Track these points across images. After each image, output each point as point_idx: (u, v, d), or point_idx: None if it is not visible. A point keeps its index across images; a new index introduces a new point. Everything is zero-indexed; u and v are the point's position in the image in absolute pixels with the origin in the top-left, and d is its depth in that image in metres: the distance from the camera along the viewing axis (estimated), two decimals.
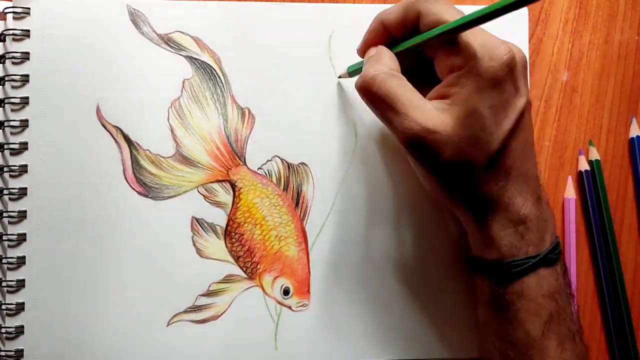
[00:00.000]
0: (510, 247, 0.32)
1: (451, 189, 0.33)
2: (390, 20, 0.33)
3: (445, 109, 0.31)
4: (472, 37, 0.30)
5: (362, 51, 0.35)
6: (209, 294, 0.38)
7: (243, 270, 0.39)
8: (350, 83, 0.38)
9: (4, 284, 0.37)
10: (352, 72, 0.38)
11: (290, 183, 0.40)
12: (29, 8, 0.38)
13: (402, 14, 0.33)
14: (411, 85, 0.32)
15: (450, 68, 0.32)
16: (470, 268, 0.36)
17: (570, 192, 0.42)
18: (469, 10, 0.41)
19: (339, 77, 0.40)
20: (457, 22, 0.30)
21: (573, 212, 0.42)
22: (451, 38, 0.31)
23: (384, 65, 0.32)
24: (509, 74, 0.30)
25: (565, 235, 0.42)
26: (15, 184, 0.38)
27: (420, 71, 0.34)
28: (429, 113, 0.31)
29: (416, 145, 0.31)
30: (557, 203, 0.42)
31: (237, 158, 0.39)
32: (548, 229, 0.33)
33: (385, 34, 0.34)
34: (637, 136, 0.42)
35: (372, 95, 0.32)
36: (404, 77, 0.32)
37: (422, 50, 0.34)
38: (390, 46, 0.34)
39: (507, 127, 0.31)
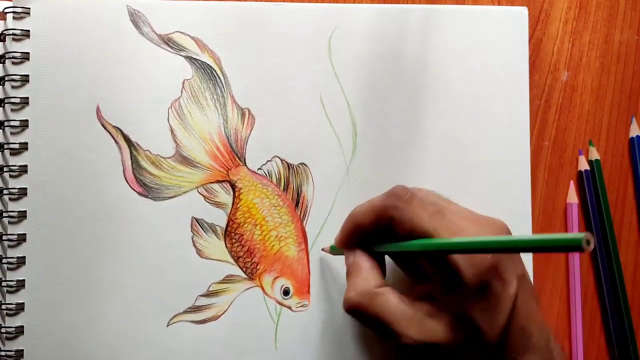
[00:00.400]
0: None
1: None
2: (364, 224, 0.33)
3: (435, 314, 0.30)
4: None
5: (339, 246, 0.35)
6: (209, 294, 0.38)
7: (243, 271, 0.39)
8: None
9: (3, 284, 0.37)
10: (335, 251, 0.37)
11: (290, 183, 0.40)
12: (29, 8, 0.38)
13: (375, 219, 0.32)
14: (395, 296, 0.31)
15: (433, 272, 0.31)
16: None
17: (572, 197, 0.42)
18: (468, 9, 0.42)
19: (322, 249, 0.39)
20: (435, 244, 0.29)
21: (575, 216, 0.42)
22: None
23: (365, 282, 0.32)
24: (495, 275, 0.29)
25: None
26: (15, 184, 0.38)
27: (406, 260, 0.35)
28: (421, 324, 0.30)
29: (417, 357, 0.31)
30: (557, 204, 0.42)
31: (237, 158, 0.39)
32: None
33: (360, 233, 0.34)
34: (637, 136, 0.42)
35: (363, 319, 0.32)
36: (387, 290, 0.32)
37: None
38: (369, 241, 0.34)
39: (502, 320, 0.29)
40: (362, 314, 0.32)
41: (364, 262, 0.33)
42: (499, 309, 0.29)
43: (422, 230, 0.30)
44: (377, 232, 0.33)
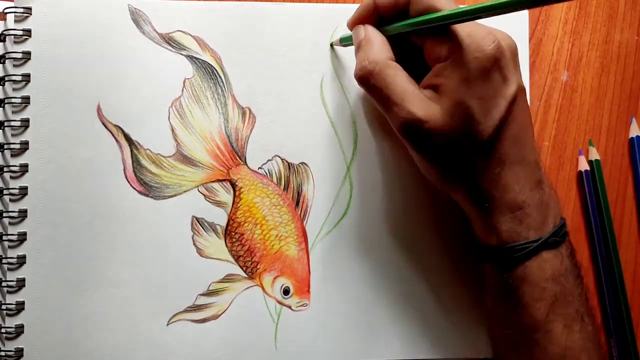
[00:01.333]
0: (510, 232, 0.32)
1: (448, 176, 0.33)
2: (382, 2, 0.34)
3: (434, 98, 0.32)
4: (459, 26, 0.31)
5: (352, 26, 0.36)
6: (209, 293, 0.38)
7: (243, 270, 0.39)
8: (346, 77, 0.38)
9: (4, 283, 0.37)
10: (345, 41, 0.38)
11: (291, 183, 0.40)
12: (30, 8, 0.38)
13: None
14: (405, 73, 0.33)
15: (438, 57, 0.32)
16: (477, 256, 0.36)
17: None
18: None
19: (332, 44, 0.40)
20: (446, 13, 0.30)
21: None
22: (440, 26, 0.31)
23: (378, 53, 0.33)
24: (495, 65, 0.30)
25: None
26: (15, 183, 0.38)
27: (412, 56, 0.35)
28: (421, 103, 0.32)
29: (410, 133, 0.32)
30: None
31: (237, 157, 0.39)
32: (550, 213, 0.33)
33: (375, 13, 0.34)
34: (637, 136, 0.42)
35: (371, 87, 0.33)
36: (399, 66, 0.33)
37: (410, 37, 0.34)
38: (378, 25, 0.35)
39: (497, 117, 0.31)
40: (372, 83, 0.33)
41: (376, 36, 0.34)
42: (495, 103, 0.31)
43: (437, 9, 0.31)
44: (391, 16, 0.34)
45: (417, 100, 0.32)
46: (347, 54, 0.40)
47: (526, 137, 0.33)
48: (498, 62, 0.30)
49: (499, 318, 0.34)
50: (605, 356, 0.34)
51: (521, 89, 0.32)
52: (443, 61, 0.32)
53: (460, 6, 0.30)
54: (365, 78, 0.33)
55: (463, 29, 0.31)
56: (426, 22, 0.31)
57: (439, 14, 0.31)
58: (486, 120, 0.31)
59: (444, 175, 0.34)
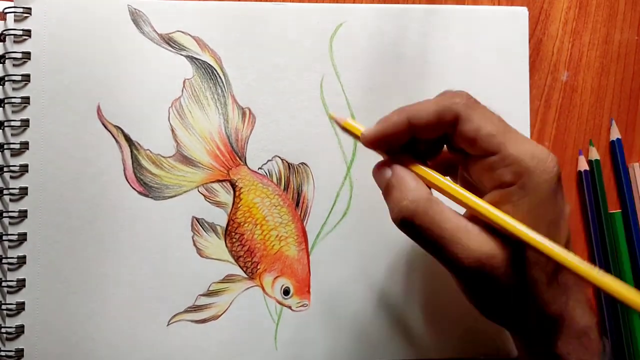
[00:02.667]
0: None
1: (512, 314, 0.30)
2: (421, 120, 0.28)
3: (492, 228, 0.28)
4: (519, 148, 0.27)
5: (372, 142, 0.29)
6: (209, 293, 0.39)
7: (243, 270, 0.39)
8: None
9: (4, 283, 0.37)
10: (344, 129, 0.33)
11: (291, 183, 0.40)
12: (30, 8, 0.38)
13: (437, 116, 0.28)
14: (451, 208, 0.28)
15: (497, 182, 0.28)
16: None
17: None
18: (468, 9, 0.42)
19: (330, 116, 0.38)
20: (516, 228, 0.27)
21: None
22: (492, 148, 0.27)
23: (417, 190, 0.28)
24: (559, 184, 0.28)
25: None
26: (15, 183, 0.38)
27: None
28: (480, 237, 0.27)
29: (475, 275, 0.27)
30: None
31: (237, 158, 0.39)
32: (600, 332, 0.31)
33: (408, 134, 0.29)
34: (618, 139, 0.42)
35: (415, 230, 0.28)
36: (440, 201, 0.28)
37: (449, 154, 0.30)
38: (408, 148, 0.30)
39: (564, 240, 0.28)
40: (417, 225, 0.28)
41: (408, 174, 0.29)
42: (561, 225, 0.28)
43: (489, 132, 0.27)
44: (428, 137, 0.29)
45: (475, 235, 0.27)
46: (348, 54, 0.40)
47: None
48: (560, 182, 0.28)
49: None
50: None
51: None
52: (505, 187, 0.28)
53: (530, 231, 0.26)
54: (409, 219, 0.28)
55: (525, 151, 0.27)
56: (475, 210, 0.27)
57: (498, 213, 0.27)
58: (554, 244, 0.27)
59: (509, 313, 0.30)
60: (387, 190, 0.29)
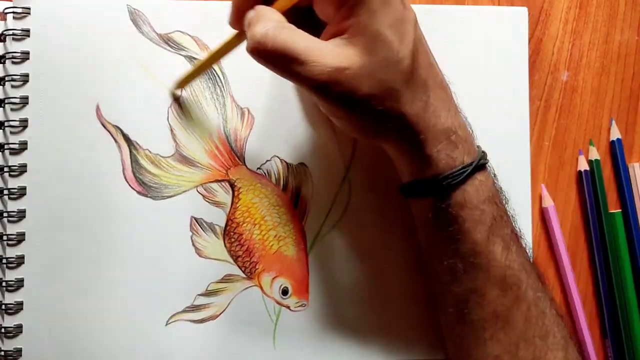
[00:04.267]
0: (447, 159, 0.31)
1: (377, 122, 0.31)
2: None
3: (346, 43, 0.29)
4: None
5: (236, 20, 0.31)
6: (208, 293, 0.38)
7: (242, 270, 0.39)
8: None
9: (3, 283, 0.37)
10: (183, 81, 0.36)
11: (290, 183, 0.40)
12: (29, 8, 0.38)
13: None
14: (303, 32, 0.29)
15: (336, 4, 0.30)
16: (407, 195, 0.35)
17: (547, 201, 0.42)
18: (468, 9, 0.42)
19: (173, 94, 0.38)
20: None
21: (555, 219, 0.42)
22: None
23: (270, 20, 0.29)
24: None
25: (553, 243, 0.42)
26: (14, 183, 0.38)
27: (301, 20, 0.32)
28: (333, 52, 0.29)
29: (331, 89, 0.29)
30: (557, 202, 0.42)
31: (236, 158, 0.39)
32: (473, 136, 0.33)
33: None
34: (618, 139, 0.42)
35: (269, 54, 0.29)
36: (293, 26, 0.29)
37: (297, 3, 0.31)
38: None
39: (411, 40, 0.30)
40: (268, 50, 0.28)
41: (264, 9, 0.30)
42: (405, 27, 0.29)
43: None
44: None
45: (327, 51, 0.29)
46: None
47: (433, 60, 0.32)
48: None
49: (437, 251, 0.34)
50: (541, 272, 0.34)
51: (415, 14, 0.31)
52: (340, 7, 0.29)
53: None
54: (261, 47, 0.28)
55: None
56: None
57: None
58: (403, 46, 0.29)
59: (374, 123, 0.32)
60: (247, 27, 0.30)
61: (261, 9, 0.30)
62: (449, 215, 0.32)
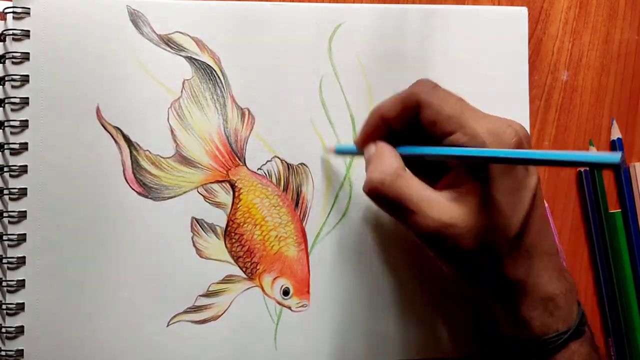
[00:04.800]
0: (542, 326, 0.31)
1: (476, 278, 0.32)
2: (390, 114, 0.32)
3: (458, 198, 0.30)
4: (477, 123, 0.30)
5: (362, 145, 0.34)
6: (209, 294, 0.39)
7: (243, 271, 0.39)
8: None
9: (4, 283, 0.37)
10: (340, 152, 0.38)
11: (290, 183, 0.40)
12: (29, 8, 0.38)
13: (401, 107, 0.32)
14: (419, 180, 0.31)
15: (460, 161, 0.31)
16: (503, 345, 0.34)
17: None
18: (468, 9, 0.42)
19: (324, 152, 0.39)
20: (488, 154, 0.28)
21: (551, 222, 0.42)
22: (452, 128, 0.30)
23: (388, 164, 0.31)
24: None
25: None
26: (15, 184, 0.38)
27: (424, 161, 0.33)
28: (443, 206, 0.30)
29: (435, 241, 0.30)
30: (557, 202, 0.42)
31: (236, 158, 0.39)
32: (573, 300, 0.32)
33: (384, 128, 0.33)
34: (618, 138, 0.42)
35: (383, 200, 0.31)
36: (410, 174, 0.31)
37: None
38: (391, 139, 0.33)
39: (524, 210, 0.30)
40: (384, 195, 0.31)
41: (387, 150, 0.32)
42: (521, 195, 0.30)
43: (447, 114, 0.30)
44: (402, 127, 0.32)
45: (437, 204, 0.30)
46: (347, 54, 0.40)
47: (547, 227, 0.32)
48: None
49: None
50: None
51: (539, 180, 0.31)
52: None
53: (490, 150, 0.28)
54: (376, 190, 0.31)
55: (482, 126, 0.29)
56: (457, 157, 0.30)
57: (477, 152, 0.29)
58: (513, 214, 0.30)
59: (472, 277, 0.32)
60: (367, 163, 0.33)
61: (382, 148, 0.32)
62: None
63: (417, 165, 0.34)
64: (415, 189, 0.30)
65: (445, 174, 0.33)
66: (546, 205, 0.42)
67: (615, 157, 0.22)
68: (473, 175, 0.30)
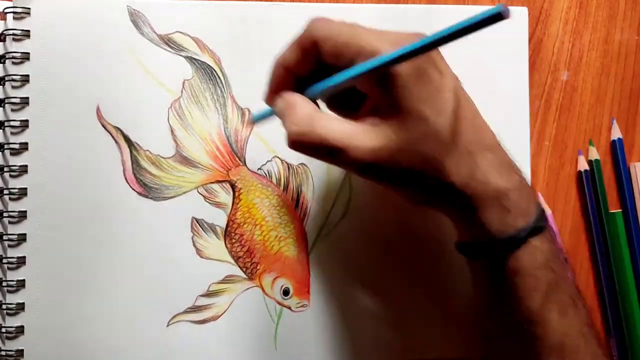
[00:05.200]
0: (500, 225, 0.31)
1: (425, 193, 0.32)
2: (290, 60, 0.31)
3: (380, 122, 0.29)
4: (376, 41, 0.29)
5: (269, 100, 0.33)
6: (209, 294, 0.39)
7: (243, 271, 0.39)
8: None
9: (4, 283, 0.37)
10: (257, 119, 0.36)
11: (290, 184, 0.40)
12: (29, 8, 0.38)
13: (300, 51, 0.31)
14: (336, 116, 0.31)
15: (372, 80, 0.30)
16: (462, 253, 0.34)
17: (545, 209, 0.42)
18: (468, 9, 0.42)
19: (251, 122, 0.39)
20: (385, 58, 0.27)
21: (554, 226, 0.42)
22: (353, 52, 0.29)
23: (301, 113, 0.30)
24: (429, 62, 0.29)
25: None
26: (15, 184, 0.38)
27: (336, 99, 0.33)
28: (368, 134, 0.29)
29: (373, 170, 0.30)
30: (557, 202, 0.42)
31: (237, 158, 0.39)
32: (531, 197, 0.32)
33: (289, 78, 0.32)
34: (619, 138, 0.42)
35: (309, 149, 0.30)
36: (325, 114, 0.30)
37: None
38: (299, 88, 0.32)
39: (448, 110, 0.29)
40: (307, 143, 0.30)
41: (297, 99, 0.31)
42: (441, 97, 0.29)
43: (344, 41, 0.29)
44: (307, 72, 0.31)
45: (362, 134, 0.29)
46: None
47: (481, 121, 0.32)
48: (429, 58, 0.29)
49: (491, 315, 0.33)
50: (600, 336, 0.33)
51: (456, 77, 0.31)
52: (376, 83, 0.30)
53: (387, 54, 0.27)
54: (298, 142, 0.30)
55: (380, 40, 0.28)
56: (350, 74, 0.29)
57: (375, 61, 0.27)
58: (440, 118, 0.29)
59: (421, 194, 0.32)
60: (280, 118, 0.31)
61: (290, 97, 0.31)
62: (502, 281, 0.31)
63: (334, 105, 0.33)
64: (336, 127, 0.29)
65: (362, 103, 0.32)
66: (549, 212, 0.42)
67: (497, 8, 0.22)
68: (387, 95, 0.29)
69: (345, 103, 0.33)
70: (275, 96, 0.32)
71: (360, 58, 0.29)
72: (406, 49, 0.26)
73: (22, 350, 0.37)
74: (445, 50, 0.41)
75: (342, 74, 0.29)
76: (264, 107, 0.39)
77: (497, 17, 0.22)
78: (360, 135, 0.29)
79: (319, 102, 0.32)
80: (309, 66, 0.31)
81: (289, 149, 0.30)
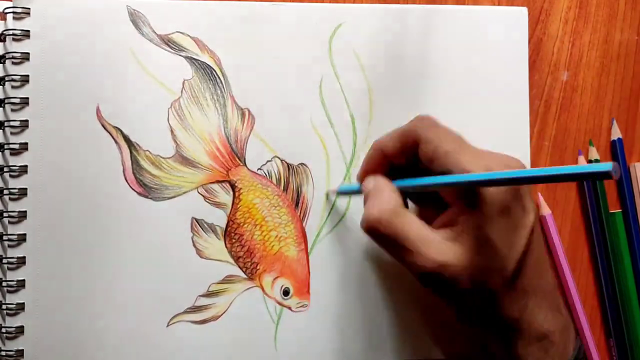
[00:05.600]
0: None
1: (471, 315, 0.32)
2: (389, 148, 0.33)
3: (455, 238, 0.30)
4: (473, 161, 0.29)
5: (361, 179, 0.35)
6: (209, 294, 0.39)
7: (243, 271, 0.39)
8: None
9: (4, 284, 0.37)
10: (343, 192, 0.38)
11: (290, 184, 0.40)
12: (29, 8, 0.38)
13: (401, 142, 0.32)
14: (416, 219, 0.31)
15: (456, 194, 0.31)
16: None
17: (545, 209, 0.42)
18: (468, 9, 0.42)
19: (327, 193, 0.40)
20: (476, 178, 0.28)
21: (553, 227, 0.42)
22: (449, 165, 0.30)
23: (386, 202, 0.31)
24: (516, 197, 0.29)
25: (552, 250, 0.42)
26: (15, 184, 0.38)
27: (424, 194, 0.34)
28: (440, 246, 0.30)
29: (432, 281, 0.30)
30: (557, 203, 0.42)
31: (237, 159, 0.39)
32: (570, 337, 0.32)
33: (385, 162, 0.34)
34: (619, 139, 0.42)
35: (380, 237, 0.31)
36: (408, 212, 0.31)
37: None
38: (391, 174, 0.33)
39: (520, 249, 0.30)
40: (381, 233, 0.31)
41: (385, 186, 0.32)
42: (518, 235, 0.29)
43: (445, 151, 0.30)
44: (402, 162, 0.33)
45: (434, 244, 0.30)
46: (347, 55, 0.40)
47: (544, 265, 0.32)
48: (517, 194, 0.29)
49: None
50: None
51: (537, 216, 0.31)
52: (459, 197, 0.31)
53: (484, 174, 0.28)
54: (374, 228, 0.31)
55: (477, 162, 0.29)
56: (441, 182, 0.30)
57: (465, 177, 0.28)
58: (509, 254, 0.29)
59: (468, 315, 0.33)
60: (365, 199, 0.33)
61: (380, 183, 0.33)
62: None
63: (416, 202, 0.35)
64: (413, 228, 0.30)
65: (443, 210, 0.33)
66: (549, 212, 0.42)
67: (606, 165, 0.22)
68: (469, 213, 0.30)
69: (425, 205, 0.34)
70: (368, 176, 0.34)
71: (456, 171, 0.29)
72: (499, 175, 0.27)
73: (22, 350, 0.37)
74: (445, 50, 0.41)
75: (436, 179, 0.30)
76: (271, 111, 0.39)
77: (604, 175, 0.22)
78: (432, 245, 0.30)
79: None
80: (405, 158, 0.33)
81: (361, 229, 0.32)
